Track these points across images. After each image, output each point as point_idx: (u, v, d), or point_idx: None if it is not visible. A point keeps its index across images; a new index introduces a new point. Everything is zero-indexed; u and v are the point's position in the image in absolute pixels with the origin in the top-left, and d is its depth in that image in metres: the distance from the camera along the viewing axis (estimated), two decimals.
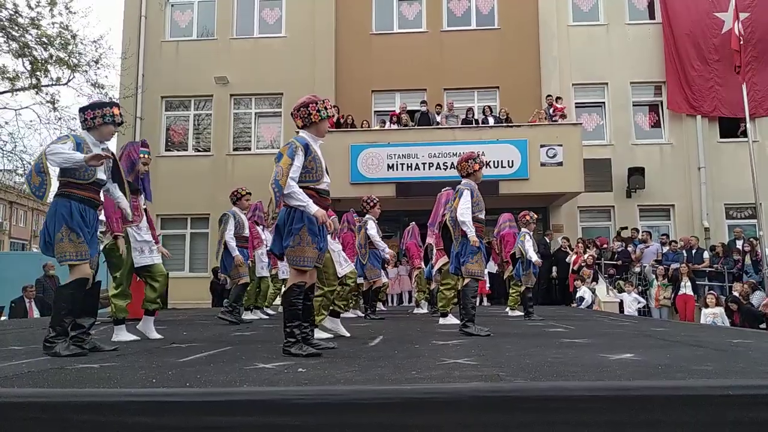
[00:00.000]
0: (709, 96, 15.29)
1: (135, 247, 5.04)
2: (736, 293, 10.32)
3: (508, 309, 8.64)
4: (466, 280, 5.37)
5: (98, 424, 2.06)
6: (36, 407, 2.13)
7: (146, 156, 5.26)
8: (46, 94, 14.18)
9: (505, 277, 9.03)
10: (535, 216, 8.43)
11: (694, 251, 12.57)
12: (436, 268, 7.27)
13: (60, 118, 14.31)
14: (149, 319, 5.20)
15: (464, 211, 5.34)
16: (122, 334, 4.94)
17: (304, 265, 3.68)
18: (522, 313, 7.95)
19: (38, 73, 13.55)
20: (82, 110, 4.18)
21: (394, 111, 15.10)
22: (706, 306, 9.99)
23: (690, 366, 3.05)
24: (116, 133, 4.33)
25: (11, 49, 13.35)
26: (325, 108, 3.87)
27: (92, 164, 3.81)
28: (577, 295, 11.45)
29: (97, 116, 4.06)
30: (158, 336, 5.16)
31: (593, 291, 11.44)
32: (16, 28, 13.18)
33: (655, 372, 2.88)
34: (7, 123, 15.35)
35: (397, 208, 13.49)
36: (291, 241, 3.66)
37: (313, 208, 3.64)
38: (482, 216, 5.51)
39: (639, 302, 11.40)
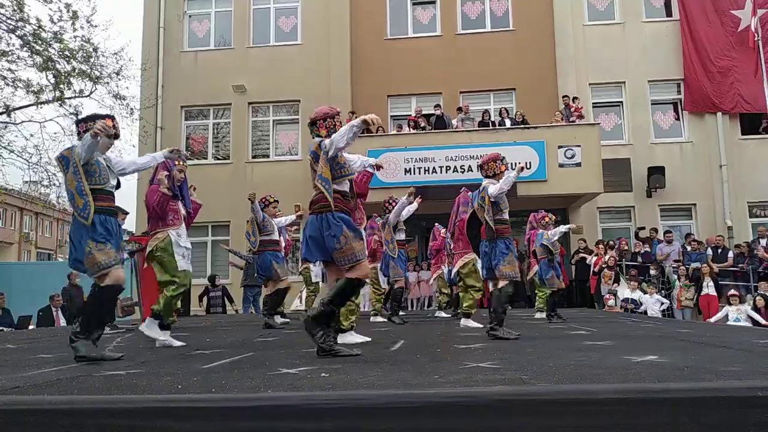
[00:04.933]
0: (730, 93, 15.06)
1: (177, 251, 5.10)
2: (763, 292, 10.12)
3: (536, 313, 8.52)
4: (502, 283, 5.28)
5: (126, 429, 2.11)
6: (66, 414, 2.18)
7: (182, 163, 5.35)
8: (70, 106, 14.45)
9: (528, 278, 9.02)
10: (554, 217, 8.39)
11: (719, 251, 12.36)
12: (455, 270, 7.25)
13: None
14: (155, 322, 5.21)
15: (496, 189, 5.24)
16: (155, 331, 4.97)
17: (361, 259, 3.79)
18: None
19: (62, 85, 13.82)
20: (78, 122, 4.19)
21: (410, 115, 15.12)
22: (730, 304, 9.80)
23: (716, 367, 3.00)
24: (111, 145, 4.25)
25: (35, 63, 13.65)
26: (341, 122, 4.03)
27: (99, 130, 3.78)
28: (625, 296, 11.13)
29: (90, 128, 3.96)
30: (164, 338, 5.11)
31: (615, 293, 11.27)
32: (40, 42, 13.48)
33: (681, 374, 2.84)
34: (32, 135, 15.61)
35: (414, 213, 13.46)
36: (336, 243, 3.74)
37: (361, 118, 3.72)
38: (506, 216, 5.45)
39: (662, 303, 11.21)
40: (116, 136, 4.19)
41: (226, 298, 13.09)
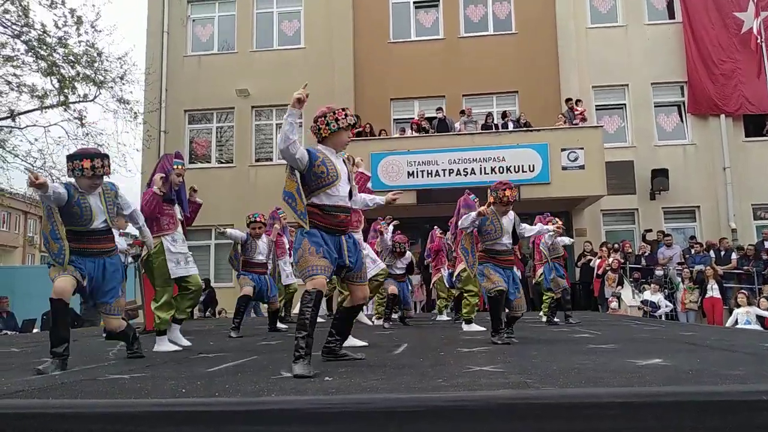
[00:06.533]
0: (734, 95, 15.03)
1: (170, 258, 5.09)
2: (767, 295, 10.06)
3: (543, 317, 8.47)
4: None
5: None
6: (70, 418, 2.19)
7: (180, 167, 5.31)
8: (74, 110, 14.51)
9: (534, 282, 8.99)
10: (559, 221, 8.35)
11: (723, 253, 12.30)
12: (456, 273, 7.24)
13: (87, 134, 14.64)
14: (176, 327, 5.28)
15: (461, 221, 5.34)
16: (164, 345, 5.00)
17: (313, 274, 3.44)
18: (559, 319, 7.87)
19: (66, 90, 13.88)
20: (67, 158, 3.99)
21: (413, 119, 15.13)
22: (738, 306, 9.73)
23: (721, 371, 2.99)
24: (96, 185, 3.93)
25: (40, 68, 13.72)
26: (336, 120, 3.63)
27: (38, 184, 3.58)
28: (644, 298, 11.08)
29: (68, 168, 3.89)
30: (187, 343, 5.26)
31: (618, 296, 11.22)
32: (45, 47, 13.54)
33: (686, 377, 2.83)
34: (36, 140, 15.64)
35: (418, 215, 13.49)
36: (296, 257, 3.60)
37: (292, 101, 3.50)
38: (497, 247, 5.22)
39: (666, 306, 11.16)
40: (100, 175, 3.90)
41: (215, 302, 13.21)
